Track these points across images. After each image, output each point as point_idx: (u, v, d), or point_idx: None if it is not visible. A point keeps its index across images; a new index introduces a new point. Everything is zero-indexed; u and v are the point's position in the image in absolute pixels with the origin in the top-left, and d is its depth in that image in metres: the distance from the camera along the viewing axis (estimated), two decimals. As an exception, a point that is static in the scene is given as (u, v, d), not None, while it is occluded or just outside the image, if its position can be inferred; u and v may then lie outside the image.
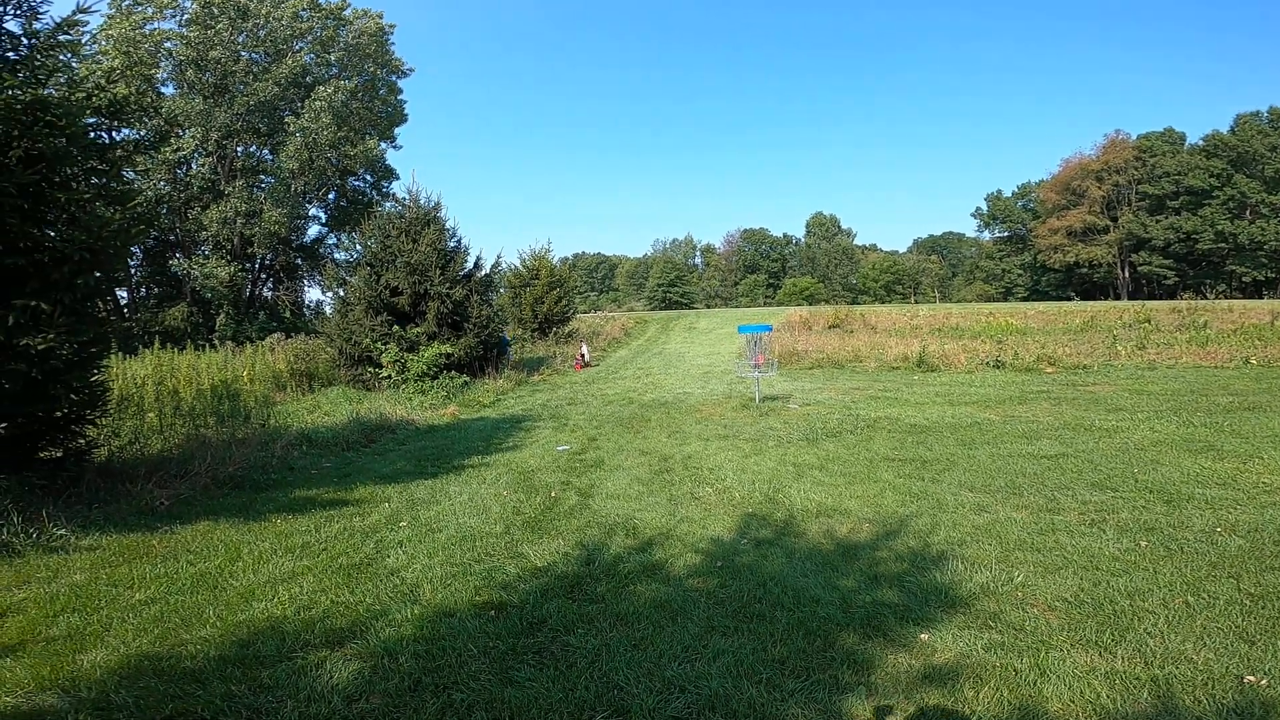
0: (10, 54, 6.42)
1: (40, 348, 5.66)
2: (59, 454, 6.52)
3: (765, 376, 12.07)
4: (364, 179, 33.66)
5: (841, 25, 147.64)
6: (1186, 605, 3.24)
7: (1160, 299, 49.94)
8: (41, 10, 6.48)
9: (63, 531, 4.78)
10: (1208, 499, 5.01)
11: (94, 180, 6.68)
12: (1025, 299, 66.19)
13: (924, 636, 3.04)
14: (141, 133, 28.19)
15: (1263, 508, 4.71)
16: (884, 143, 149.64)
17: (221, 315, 28.41)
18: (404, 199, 17.80)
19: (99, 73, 25.66)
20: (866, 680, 2.67)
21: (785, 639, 3.03)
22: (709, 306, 73.11)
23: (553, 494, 6.21)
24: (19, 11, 6.45)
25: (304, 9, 28.61)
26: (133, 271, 30.53)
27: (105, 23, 26.54)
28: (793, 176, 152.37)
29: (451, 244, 17.23)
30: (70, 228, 6.12)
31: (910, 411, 10.08)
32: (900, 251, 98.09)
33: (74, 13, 6.57)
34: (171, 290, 30.42)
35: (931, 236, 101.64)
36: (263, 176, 29.51)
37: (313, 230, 33.97)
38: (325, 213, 33.77)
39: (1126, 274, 69.69)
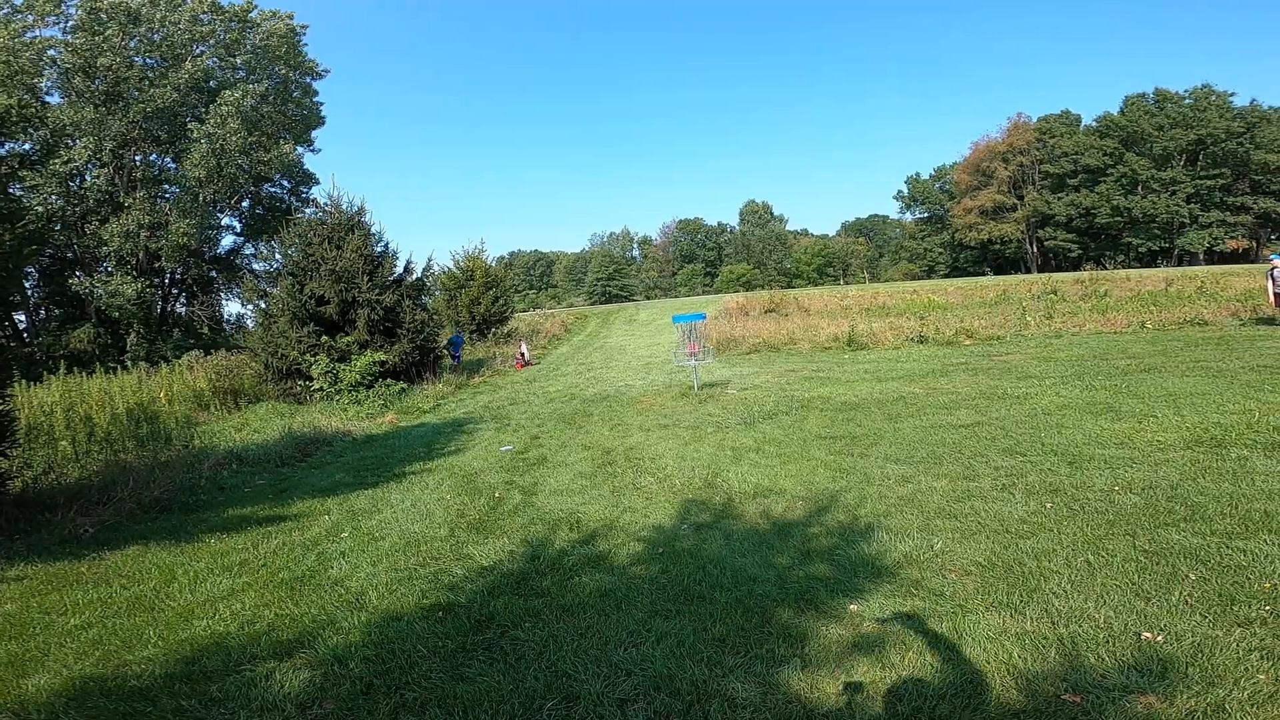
0: None
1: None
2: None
3: (702, 364, 12.35)
4: (281, 185, 32.16)
5: (766, 11, 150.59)
6: (1088, 564, 3.52)
7: (1066, 270, 53.54)
8: None
9: (-23, 568, 4.51)
10: (1107, 459, 5.39)
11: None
12: (946, 276, 69.84)
13: (853, 607, 3.26)
14: (27, 145, 26.04)
15: (1156, 465, 5.09)
16: (810, 129, 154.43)
17: (132, 335, 26.69)
18: (325, 205, 17.21)
19: None
20: (801, 652, 2.86)
21: (724, 618, 3.20)
22: (649, 298, 73.58)
23: (496, 494, 6.24)
24: None
25: (204, 12, 27.01)
26: (29, 293, 28.25)
27: None
28: (725, 165, 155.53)
29: (379, 249, 16.76)
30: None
31: (841, 390, 10.54)
32: (830, 235, 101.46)
33: None
34: (74, 311, 28.29)
35: (858, 219, 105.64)
36: (166, 186, 27.81)
37: (227, 241, 32.30)
38: (240, 222, 32.11)
39: (1035, 249, 74.39)
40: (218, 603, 3.81)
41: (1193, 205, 65.67)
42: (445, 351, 18.90)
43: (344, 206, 16.88)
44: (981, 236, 73.78)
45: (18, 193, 24.99)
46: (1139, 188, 67.90)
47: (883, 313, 23.23)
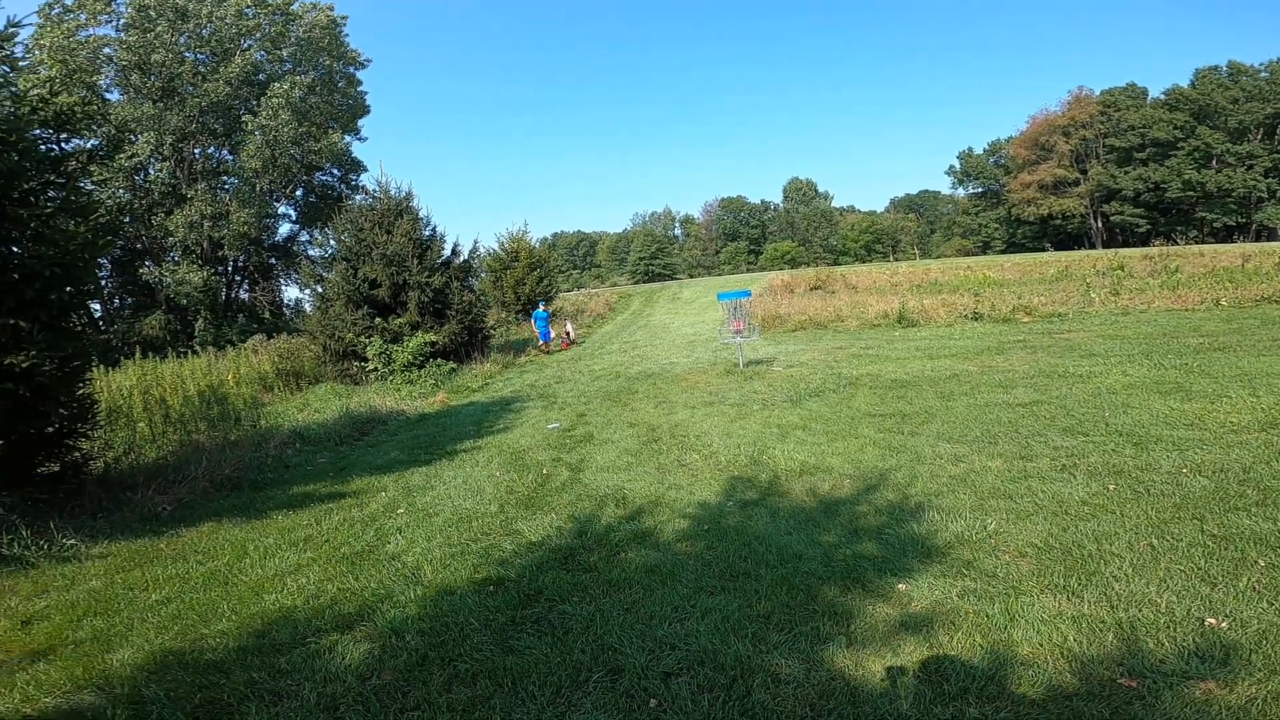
0: None
1: (24, 365, 5.68)
2: (56, 468, 6.56)
3: (747, 342, 12.23)
4: (331, 174, 33.10)
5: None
6: (1151, 548, 3.38)
7: (1133, 247, 50.70)
8: None
9: (72, 541, 4.88)
10: (1175, 440, 5.13)
11: (53, 194, 6.59)
12: (1002, 252, 66.95)
13: (901, 586, 3.21)
14: (93, 141, 27.47)
15: (1228, 448, 4.83)
16: (856, 105, 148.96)
17: (199, 320, 28.07)
18: (374, 191, 17.63)
19: (37, 83, 24.88)
20: (846, 630, 2.84)
21: (770, 595, 3.20)
22: (691, 276, 73.03)
23: (544, 471, 6.36)
24: None
25: (248, 6, 27.75)
26: (104, 283, 30.00)
27: (36, 32, 25.61)
28: (767, 143, 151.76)
29: (426, 232, 17.11)
30: (37, 244, 6.07)
31: (891, 367, 10.29)
32: (878, 211, 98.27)
33: (6, 27, 6.44)
34: (145, 299, 29.90)
35: (908, 195, 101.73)
36: (225, 178, 28.92)
37: (284, 229, 33.49)
38: (295, 210, 33.24)
39: (1099, 224, 70.71)
40: (285, 577, 4.03)
41: (1270, 180, 61.36)
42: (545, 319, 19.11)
43: (392, 192, 17.24)
44: (1041, 211, 70.55)
45: (89, 187, 26.50)
46: (1213, 161, 63.61)
47: (934, 289, 22.47)
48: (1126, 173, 67.04)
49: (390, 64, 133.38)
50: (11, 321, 5.70)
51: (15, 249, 6.16)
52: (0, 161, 5.91)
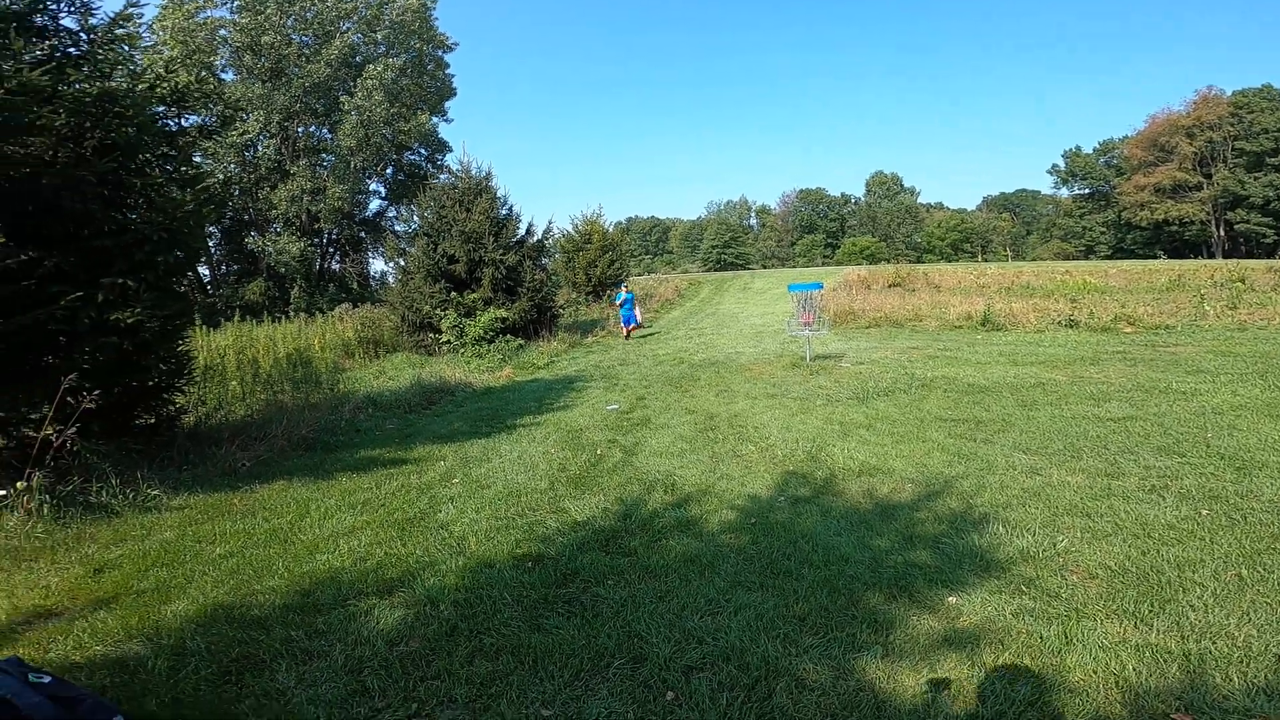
0: (72, 49, 6.84)
1: (129, 321, 6.17)
2: (152, 420, 7.12)
3: (816, 335, 11.86)
4: (419, 153, 34.38)
5: None
6: (1239, 579, 3.07)
7: (1259, 258, 45.88)
8: (95, 6, 6.85)
9: (156, 492, 5.26)
10: None
11: (167, 166, 7.10)
12: (1108, 258, 62.06)
13: (951, 599, 3.02)
14: (208, 118, 29.57)
15: None
16: (949, 98, 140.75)
17: (295, 288, 29.91)
18: (457, 170, 18.16)
19: (160, 63, 27.08)
20: (884, 640, 2.70)
21: (809, 596, 3.08)
22: (765, 267, 71.67)
23: (598, 451, 6.39)
24: (73, 8, 6.83)
25: None
26: (213, 250, 32.48)
27: (159, 14, 27.71)
28: (852, 136, 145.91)
29: (503, 212, 17.49)
30: (148, 211, 6.56)
31: (970, 371, 9.73)
32: (969, 210, 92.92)
33: (126, 7, 6.93)
34: (249, 266, 32.15)
35: (1003, 194, 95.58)
36: (324, 155, 30.57)
37: (373, 204, 35.15)
38: (384, 187, 34.79)
39: (1222, 232, 64.42)
40: (339, 538, 4.21)
41: None
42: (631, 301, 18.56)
43: (473, 172, 17.71)
44: (1156, 216, 64.89)
45: (199, 160, 28.67)
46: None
47: (1026, 293, 21.06)
48: (1256, 179, 60.86)
49: (476, 44, 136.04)
50: (121, 281, 6.19)
51: (130, 215, 6.68)
52: (119, 135, 6.39)
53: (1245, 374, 8.31)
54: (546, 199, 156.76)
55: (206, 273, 32.69)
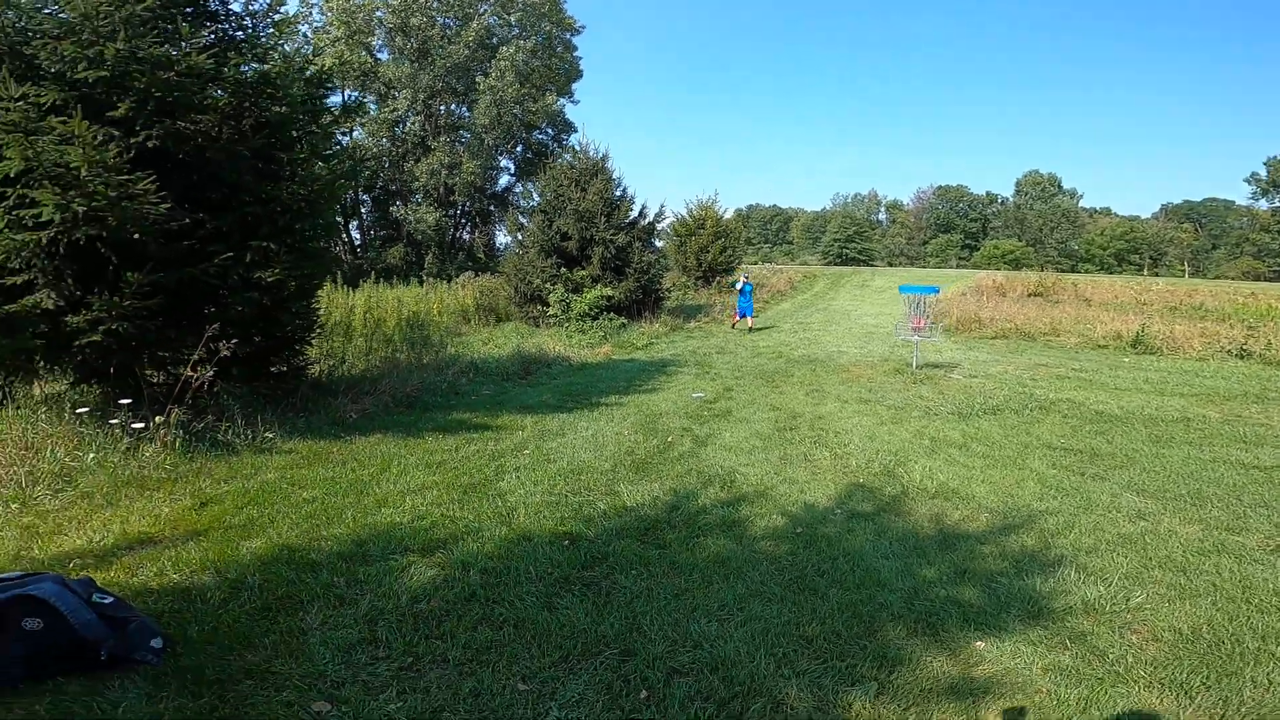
0: (238, 33, 7.72)
1: (270, 280, 6.97)
2: (284, 369, 8.04)
3: (926, 341, 11.10)
4: (546, 133, 35.55)
5: None
6: None
7: None
8: None
9: (272, 435, 5.93)
10: None
11: (309, 143, 7.87)
12: None
13: (979, 644, 2.78)
14: (366, 95, 32.42)
15: None
16: (1128, 93, 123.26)
17: (429, 255, 32.19)
18: (577, 150, 18.66)
19: (325, 41, 29.88)
20: (884, 677, 2.53)
21: (826, 618, 2.95)
22: (892, 265, 67.59)
23: (669, 439, 6.42)
24: None
25: None
26: (364, 216, 35.70)
27: None
28: (1003, 131, 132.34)
29: (617, 193, 17.78)
30: (291, 182, 7.33)
31: (1102, 396, 8.73)
32: (1143, 217, 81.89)
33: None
34: (394, 233, 34.99)
35: (1187, 202, 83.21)
36: (462, 132, 32.45)
37: (503, 180, 36.85)
38: (513, 164, 36.37)
39: None
40: (407, 495, 4.54)
41: None
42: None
43: (590, 154, 18.13)
44: None
45: (358, 135, 31.51)
46: None
47: (1196, 314, 18.41)
48: None
49: (602, 23, 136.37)
50: (266, 244, 6.99)
51: (276, 186, 7.51)
52: (272, 114, 7.19)
53: None
54: (664, 180, 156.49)
55: (357, 236, 36.01)
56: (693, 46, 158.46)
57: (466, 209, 35.35)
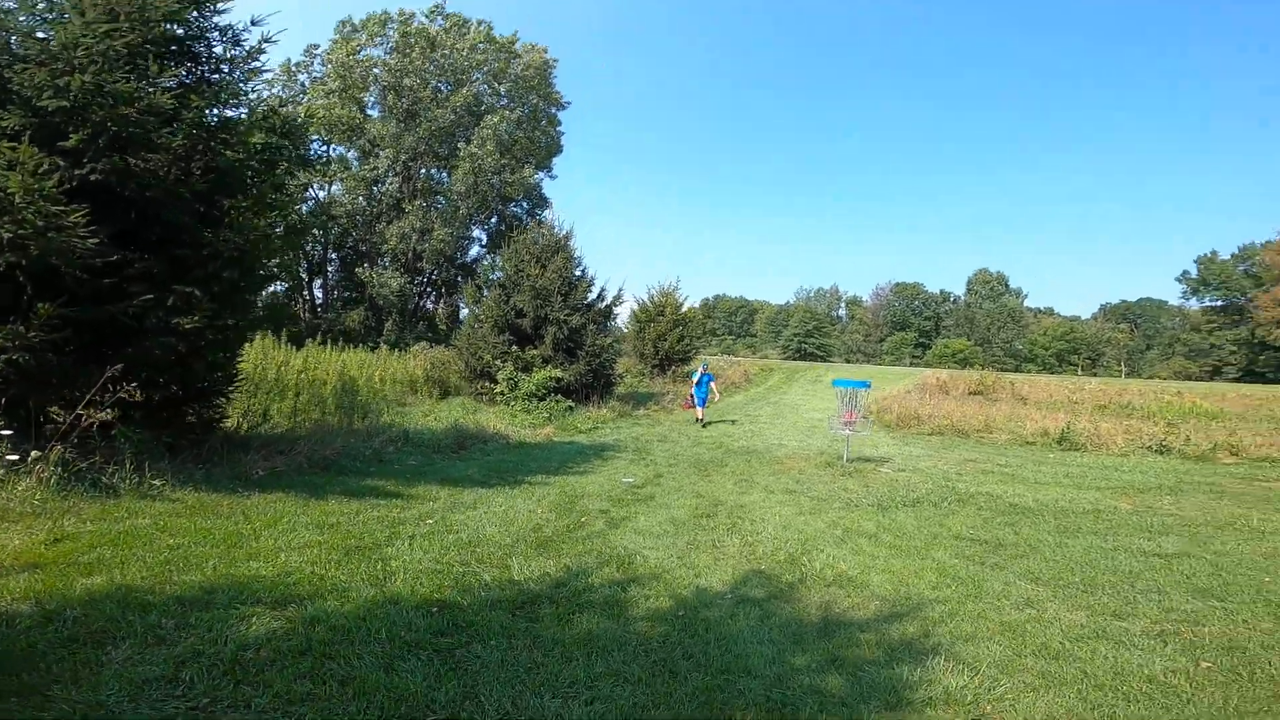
0: (214, 76, 7.91)
1: (188, 327, 6.83)
2: (194, 419, 7.74)
3: (856, 435, 11.31)
4: (521, 206, 36.55)
5: (1022, 62, 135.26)
6: None
7: None
8: (243, 36, 7.96)
9: (159, 483, 5.65)
10: None
11: (257, 192, 7.94)
12: (1236, 380, 55.41)
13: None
14: (351, 151, 33.25)
15: None
16: (1070, 196, 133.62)
17: (390, 321, 32.03)
18: (541, 225, 19.17)
19: (320, 94, 30.79)
20: None
21: (678, 703, 2.85)
22: (849, 361, 69.74)
23: (583, 519, 6.30)
24: (224, 38, 7.95)
25: (481, 41, 32.18)
26: (329, 275, 35.69)
27: (330, 47, 31.69)
28: (958, 231, 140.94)
29: (576, 272, 18.12)
30: (227, 230, 7.34)
31: (1021, 490, 8.95)
32: (1082, 318, 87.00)
33: (260, 42, 8.02)
34: (357, 295, 34.85)
35: (1124, 302, 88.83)
36: (438, 198, 33.15)
37: (474, 250, 37.36)
38: (486, 235, 37.07)
39: None
40: (283, 552, 4.35)
41: None
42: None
43: (555, 230, 18.65)
44: None
45: (336, 191, 31.89)
46: None
47: (1123, 412, 19.28)
48: None
49: (585, 103, 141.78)
50: (190, 289, 6.90)
51: (211, 232, 7.50)
52: (222, 159, 7.28)
53: None
54: (631, 263, 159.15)
55: (320, 295, 35.82)
56: (666, 131, 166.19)
57: (433, 277, 35.60)
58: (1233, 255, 70.30)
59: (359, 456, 8.81)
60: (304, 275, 34.90)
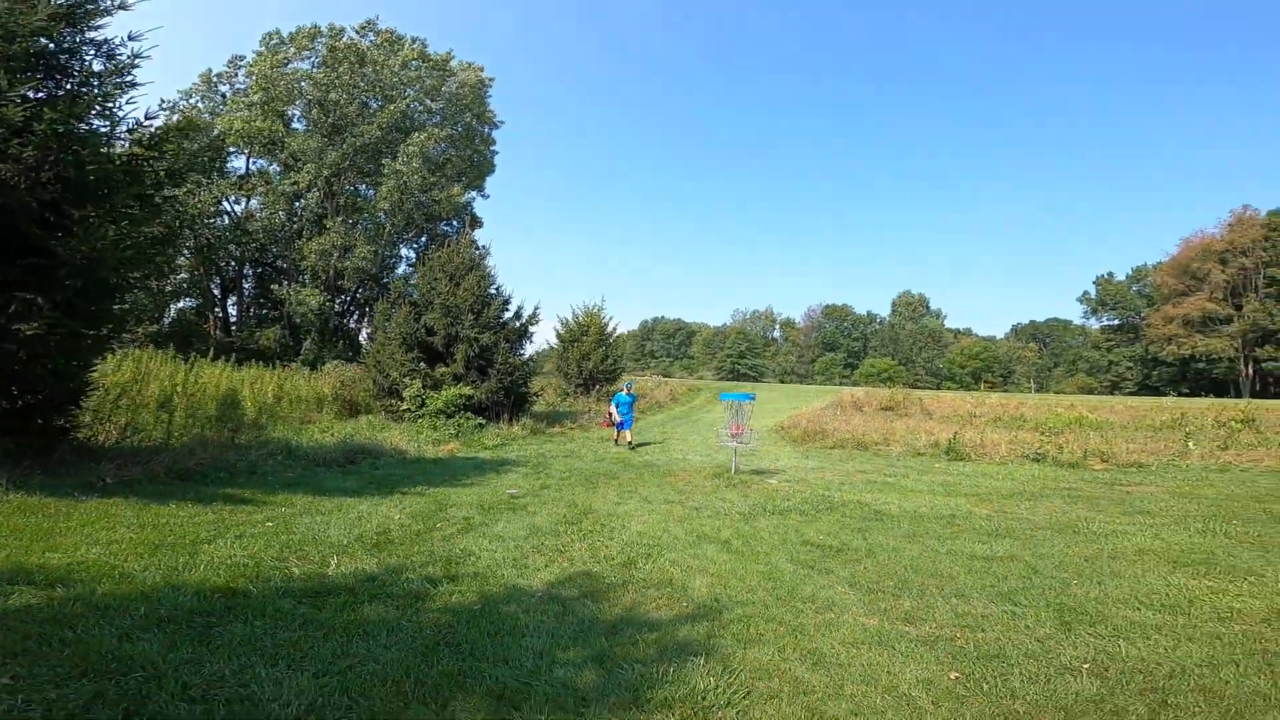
0: (83, 89, 7.72)
1: (28, 333, 6.54)
2: (43, 428, 7.38)
3: (744, 448, 11.67)
4: (452, 224, 36.19)
5: (940, 97, 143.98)
6: None
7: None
8: (118, 50, 7.83)
9: (-9, 486, 5.41)
10: (1123, 624, 4.25)
11: (110, 204, 7.69)
12: (1133, 394, 59.55)
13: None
14: (274, 165, 32.29)
15: (1189, 640, 3.94)
16: (987, 217, 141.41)
17: (309, 339, 30.99)
18: (457, 243, 19.08)
19: (242, 106, 29.89)
20: None
21: (415, 683, 2.94)
22: (783, 382, 71.57)
23: (439, 525, 6.31)
24: (98, 53, 7.81)
25: (414, 59, 32.01)
26: (245, 291, 34.35)
27: (254, 60, 30.88)
28: (882, 253, 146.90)
29: (491, 290, 18.10)
30: (73, 239, 7.09)
31: (892, 498, 9.36)
32: (998, 338, 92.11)
33: (132, 57, 7.92)
34: (276, 313, 33.61)
35: (1034, 323, 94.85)
36: (363, 215, 32.48)
37: (401, 269, 36.64)
38: (415, 254, 36.42)
39: (1250, 370, 61.49)
40: (86, 546, 4.31)
41: None
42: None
43: (477, 248, 18.62)
44: (1182, 352, 62.33)
45: (239, 205, 30.68)
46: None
47: (1016, 424, 20.46)
48: (1286, 310, 58.66)
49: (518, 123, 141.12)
50: (30, 296, 6.63)
51: (62, 239, 7.23)
52: (71, 171, 7.08)
53: (1189, 517, 7.79)
54: (566, 285, 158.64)
55: (235, 312, 34.38)
56: (600, 149, 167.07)
57: (357, 296, 34.73)
58: (1127, 276, 76.09)
59: (229, 468, 8.54)
60: (216, 292, 33.51)
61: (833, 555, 6.14)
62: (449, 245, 19.38)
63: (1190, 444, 14.66)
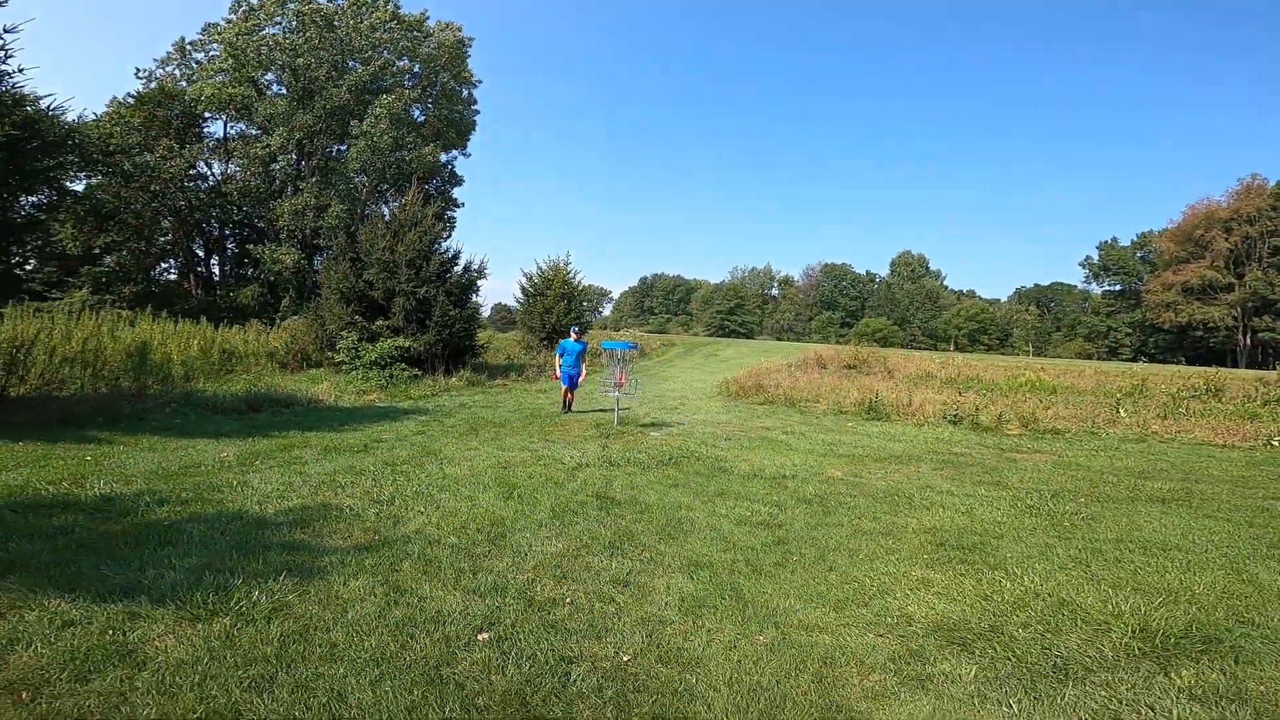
0: None
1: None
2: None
3: (626, 398, 11.96)
4: (431, 184, 36.18)
5: (947, 57, 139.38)
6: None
7: (1280, 370, 42.85)
8: None
9: None
10: (788, 620, 3.86)
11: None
12: (1130, 360, 58.91)
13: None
14: (252, 129, 32.39)
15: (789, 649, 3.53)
16: (990, 180, 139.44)
17: (285, 298, 31.55)
18: (401, 204, 19.24)
19: (213, 72, 29.87)
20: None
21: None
22: (779, 339, 71.43)
23: (256, 462, 6.86)
24: None
25: (388, 20, 31.59)
26: (227, 252, 34.89)
27: (224, 27, 30.68)
28: (887, 213, 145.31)
29: (438, 246, 18.35)
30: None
31: (762, 456, 9.22)
32: (1001, 300, 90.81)
33: (2, 31, 8.21)
34: (255, 273, 34.14)
35: (1037, 286, 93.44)
36: (336, 175, 32.63)
37: (380, 228, 36.87)
38: (391, 213, 36.62)
39: (1247, 340, 60.48)
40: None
41: None
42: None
43: (419, 206, 18.80)
44: (1180, 319, 61.49)
45: (211, 168, 30.99)
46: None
47: (970, 386, 20.47)
48: (1287, 280, 57.42)
49: (503, 81, 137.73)
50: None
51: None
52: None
53: (1038, 492, 7.11)
54: (582, 243, 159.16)
55: (218, 272, 35.04)
56: (602, 103, 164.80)
57: (334, 255, 35.09)
58: (1132, 242, 74.47)
59: (115, 415, 9.03)
60: (200, 253, 34.09)
61: (604, 508, 6.10)
62: (401, 204, 19.57)
63: (1121, 411, 14.62)
